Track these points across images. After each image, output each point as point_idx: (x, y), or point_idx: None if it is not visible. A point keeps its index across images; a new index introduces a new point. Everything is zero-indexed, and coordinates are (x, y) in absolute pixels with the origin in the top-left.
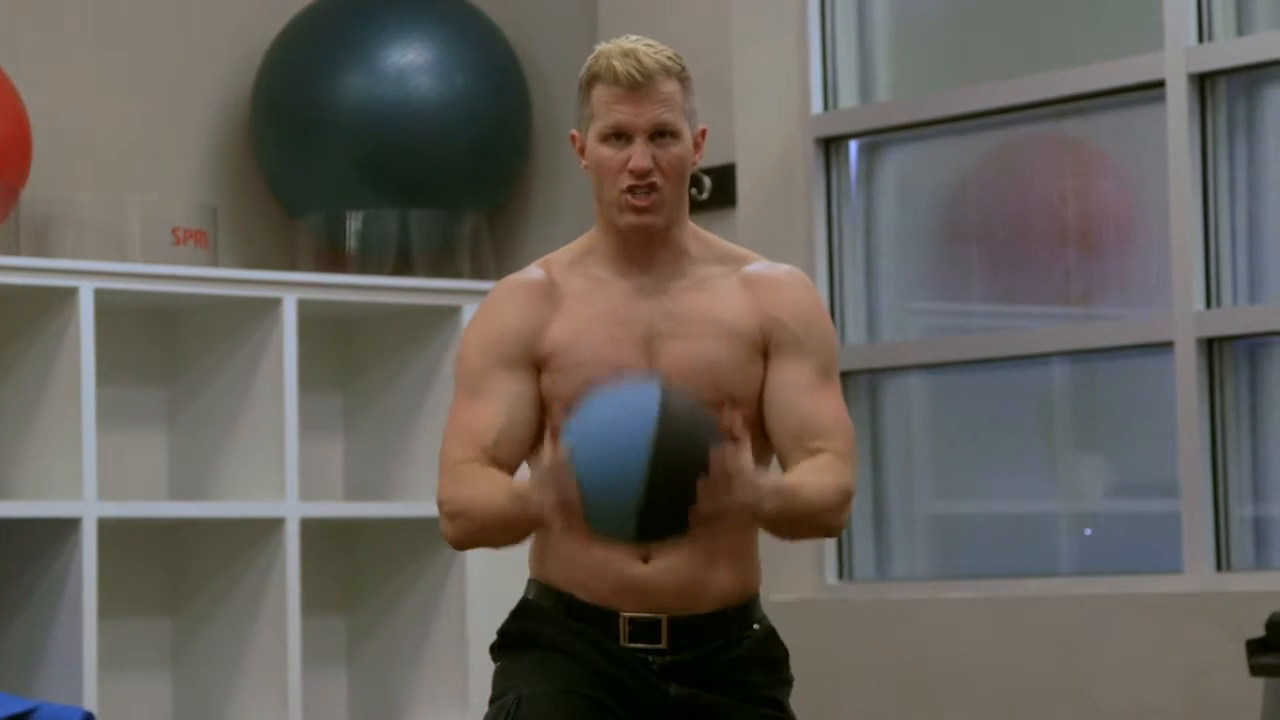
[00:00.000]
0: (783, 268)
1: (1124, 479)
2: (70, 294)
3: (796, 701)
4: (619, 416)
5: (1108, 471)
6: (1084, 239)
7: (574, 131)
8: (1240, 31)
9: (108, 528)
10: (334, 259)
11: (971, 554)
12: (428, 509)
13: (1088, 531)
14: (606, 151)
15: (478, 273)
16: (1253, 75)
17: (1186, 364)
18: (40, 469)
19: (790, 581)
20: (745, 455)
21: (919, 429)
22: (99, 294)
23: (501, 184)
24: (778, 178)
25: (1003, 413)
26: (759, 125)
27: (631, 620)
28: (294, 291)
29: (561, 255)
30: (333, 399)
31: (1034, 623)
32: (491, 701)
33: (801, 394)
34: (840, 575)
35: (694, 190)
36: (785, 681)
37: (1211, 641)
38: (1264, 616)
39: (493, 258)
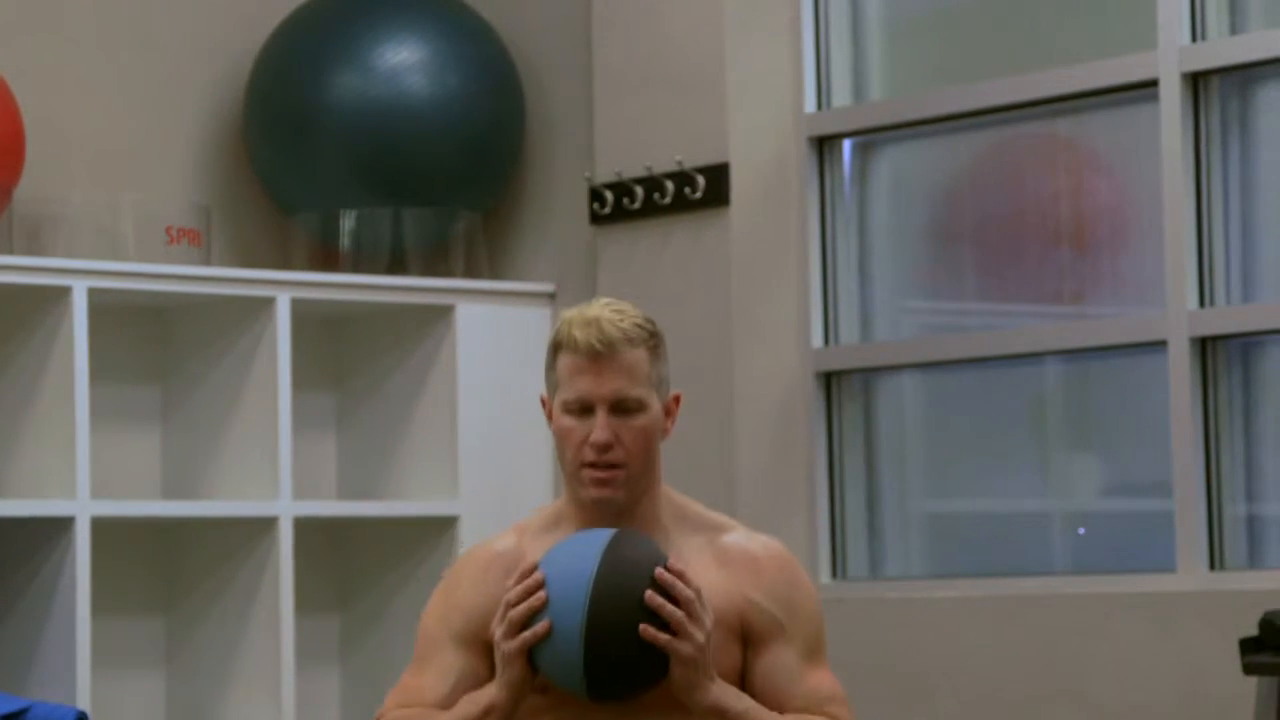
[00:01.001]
0: (760, 540)
1: (1117, 478)
2: (64, 293)
3: None
4: (566, 557)
5: (1101, 470)
6: (1077, 238)
7: (543, 395)
8: (1234, 30)
9: (101, 526)
10: (328, 258)
11: (965, 553)
12: (421, 508)
13: (1081, 530)
14: (568, 422)
15: (472, 272)
16: (1246, 74)
17: (1180, 363)
18: (33, 468)
19: None
20: (708, 610)
21: (912, 428)
22: (92, 293)
23: (495, 183)
24: (771, 177)
25: (996, 412)
26: (752, 124)
27: None
28: (288, 290)
29: (534, 521)
30: (326, 398)
31: (1027, 622)
32: None
33: (794, 679)
34: (834, 574)
35: (687, 189)
36: None
37: (1205, 640)
38: (1257, 615)
39: (486, 256)
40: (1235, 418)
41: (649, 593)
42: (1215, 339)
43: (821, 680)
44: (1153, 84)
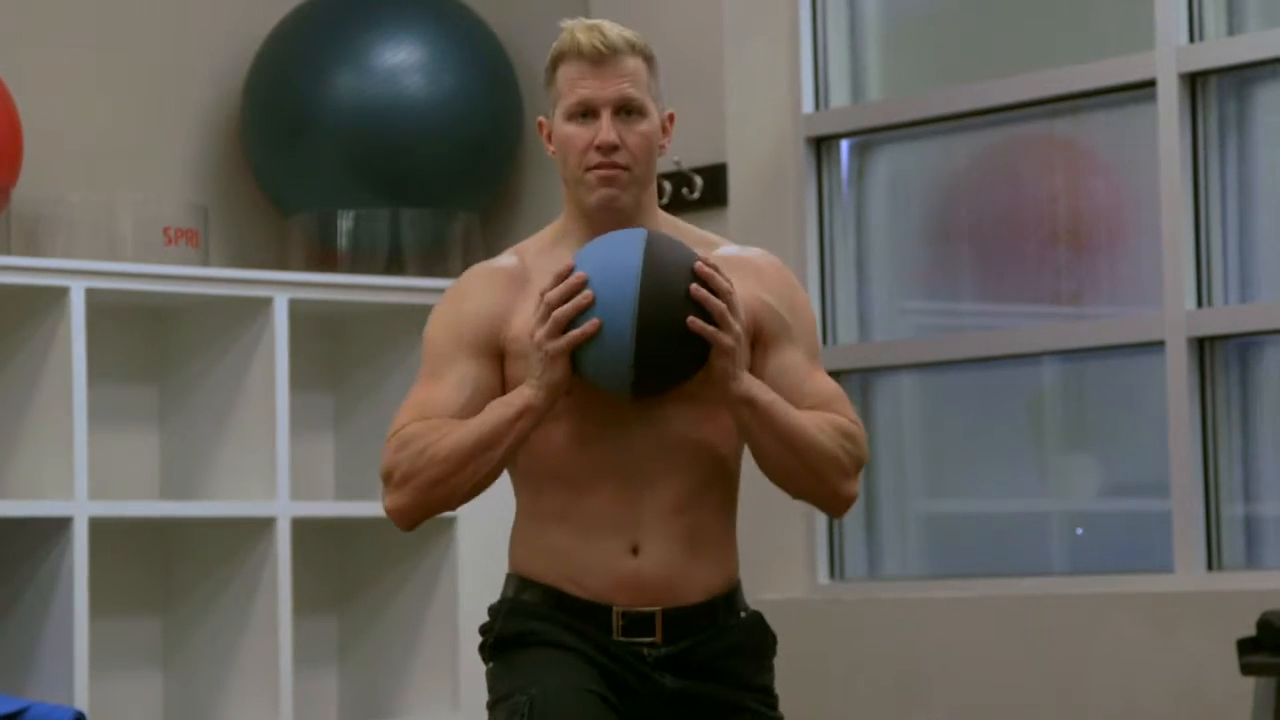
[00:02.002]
0: (755, 251)
1: (1115, 478)
2: (61, 293)
3: (789, 701)
4: (606, 256)
5: (1099, 471)
6: (1075, 238)
7: (540, 119)
8: (1231, 31)
9: (99, 527)
10: (325, 258)
11: (963, 553)
12: None
13: (1079, 531)
14: (572, 129)
15: None
16: (1243, 75)
17: (1177, 363)
18: (31, 468)
19: (782, 581)
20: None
21: (910, 428)
22: (90, 293)
23: (493, 183)
24: (769, 177)
25: (994, 412)
26: (750, 125)
27: (625, 614)
28: (285, 291)
29: (533, 242)
30: (324, 398)
31: (1025, 622)
32: (496, 702)
33: (802, 380)
34: (832, 575)
35: (685, 189)
36: (772, 668)
37: (1202, 641)
38: (1255, 616)
39: (484, 257)
40: (1233, 418)
41: (694, 285)
42: (1213, 339)
43: (825, 380)
44: (1150, 84)
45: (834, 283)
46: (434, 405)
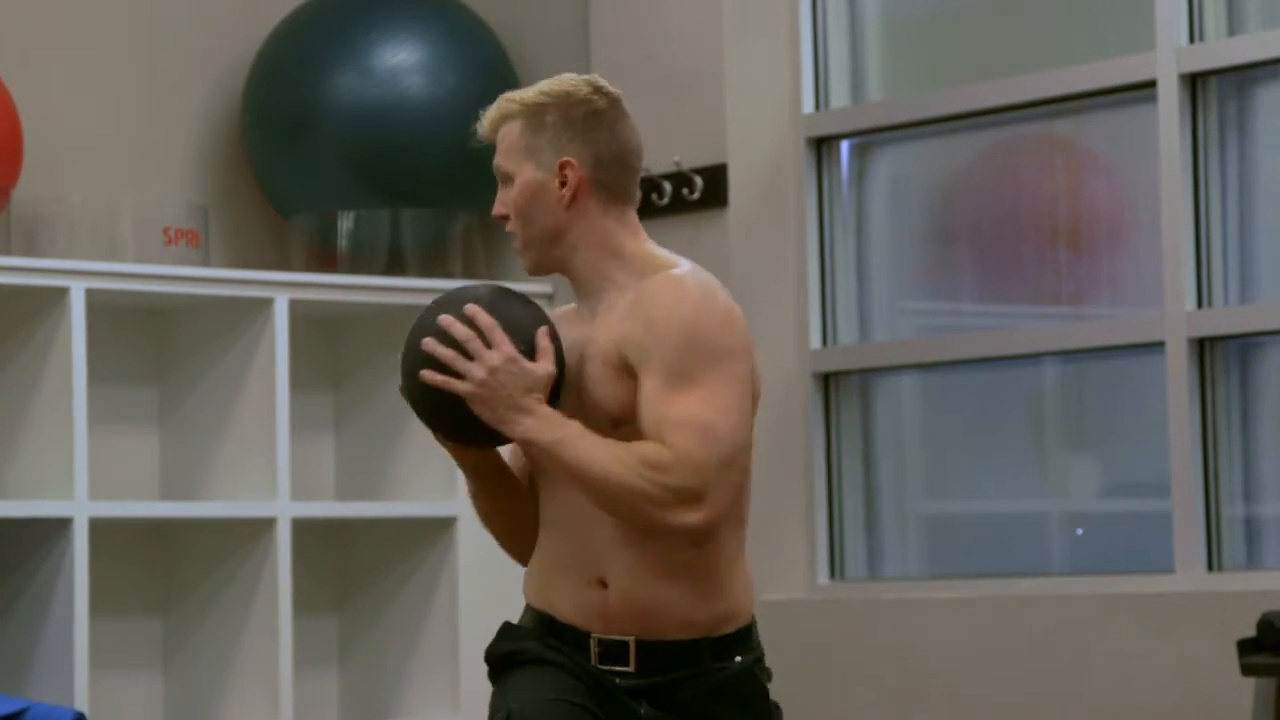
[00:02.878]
0: (665, 274)
1: (1115, 479)
2: (61, 294)
3: (789, 702)
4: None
5: (1099, 471)
6: (1075, 239)
7: None
8: (1231, 31)
9: (99, 527)
10: (325, 259)
11: (963, 554)
12: (420, 509)
13: (1079, 531)
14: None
15: (470, 272)
16: (1244, 75)
17: (1178, 364)
18: (31, 469)
19: (782, 581)
20: (504, 339)
21: (910, 429)
22: (90, 294)
23: (493, 184)
24: (769, 177)
25: (994, 413)
26: (751, 125)
27: (601, 641)
28: (285, 291)
29: None
30: (324, 399)
31: (1025, 623)
32: None
33: (650, 406)
34: (832, 575)
35: (685, 190)
36: (761, 716)
37: (1202, 641)
38: (1255, 616)
39: (484, 257)
40: (1233, 418)
41: (426, 339)
42: (1213, 340)
43: (677, 405)
44: (1151, 85)
45: (834, 283)
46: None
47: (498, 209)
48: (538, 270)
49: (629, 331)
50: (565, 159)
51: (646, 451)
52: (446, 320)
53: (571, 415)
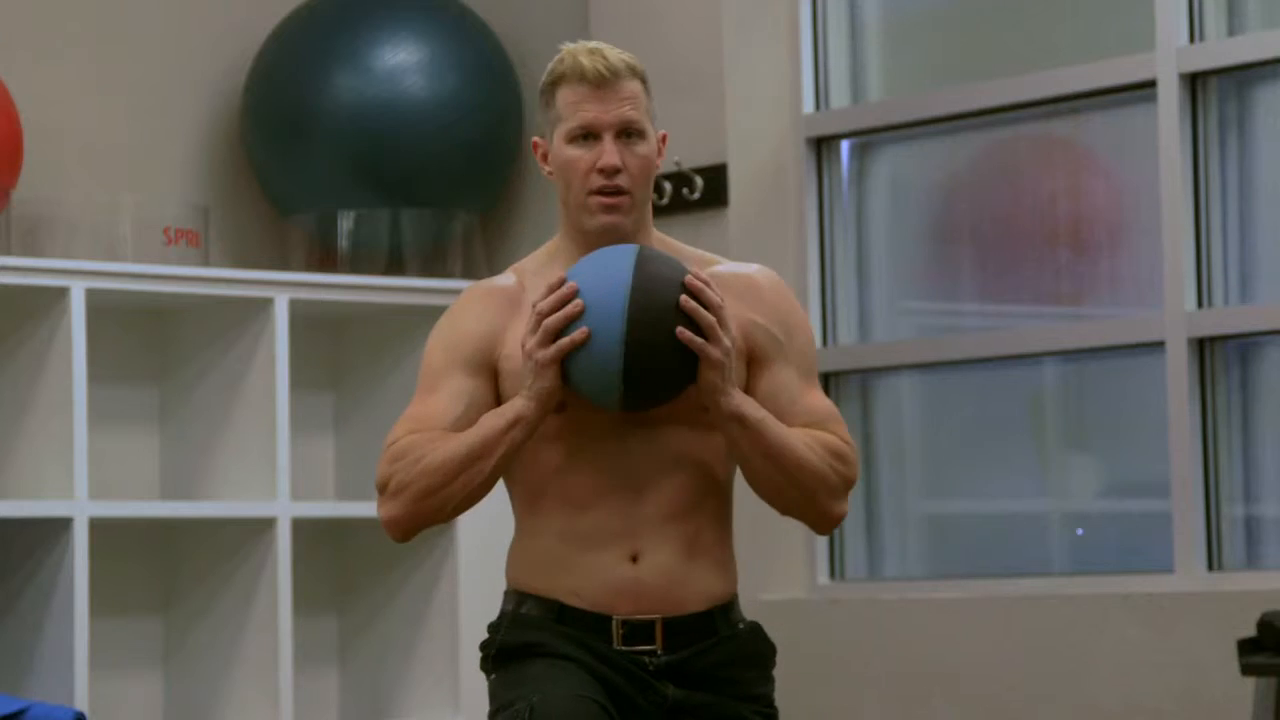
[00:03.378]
0: (753, 267)
1: (1115, 479)
2: (62, 294)
3: (789, 702)
4: (598, 269)
5: (1099, 471)
6: (1075, 239)
7: (535, 139)
8: (1231, 31)
9: (99, 527)
10: (325, 259)
11: (963, 554)
12: None
13: (1079, 531)
14: (575, 152)
15: (469, 273)
16: (1244, 75)
17: (1178, 364)
18: (32, 469)
19: (782, 581)
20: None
21: (910, 429)
22: (90, 294)
23: (493, 184)
24: (769, 178)
25: (994, 412)
26: (751, 125)
27: (625, 623)
28: (285, 291)
29: (530, 261)
30: (324, 399)
31: (1026, 623)
32: (498, 711)
33: (794, 400)
34: (832, 575)
35: (685, 190)
36: (772, 678)
37: (1203, 641)
38: (1255, 616)
39: (484, 257)
40: (1233, 418)
41: (684, 297)
42: (1213, 340)
43: (819, 399)
44: (1151, 85)
45: (834, 283)
46: (429, 418)
47: (616, 160)
48: (625, 234)
49: (750, 318)
50: (664, 132)
51: (829, 441)
52: (696, 287)
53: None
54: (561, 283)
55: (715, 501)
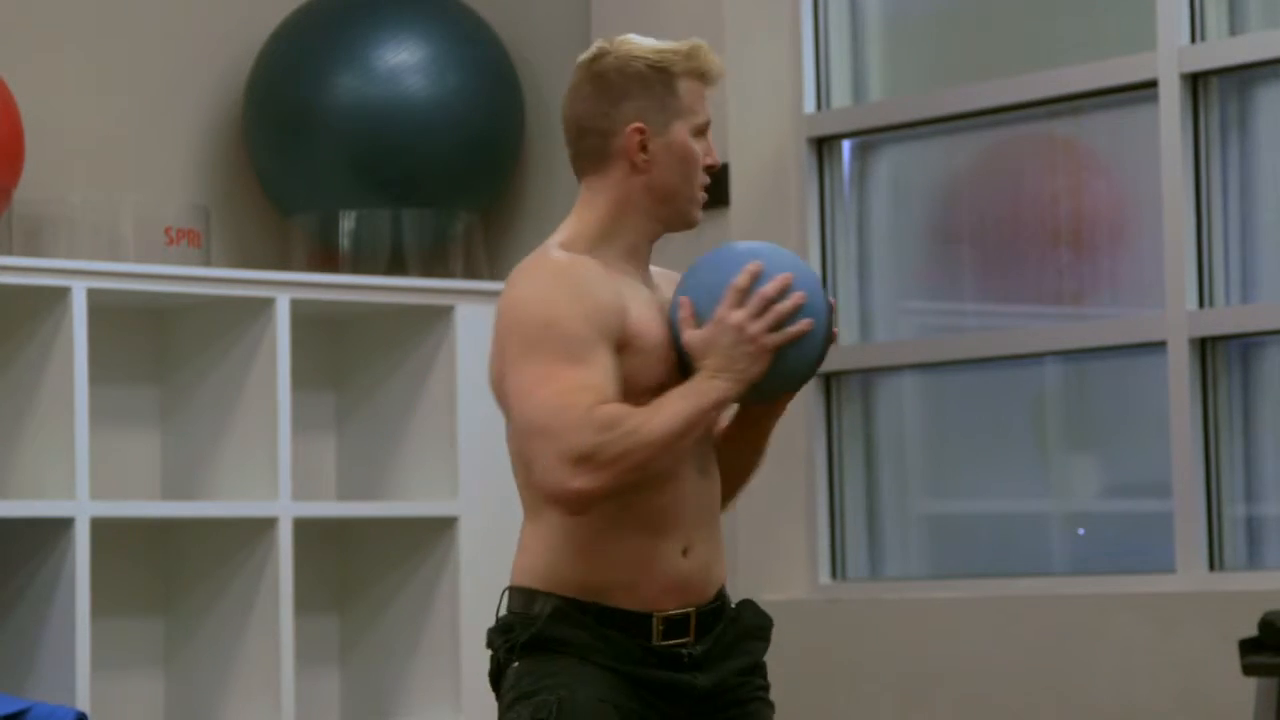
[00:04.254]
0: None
1: (1117, 479)
2: (63, 293)
3: (789, 701)
4: (790, 263)
5: (1100, 471)
6: (1076, 239)
7: (640, 124)
8: (1232, 31)
9: (100, 527)
10: (327, 258)
11: (964, 554)
12: (421, 508)
13: (1080, 531)
14: (699, 146)
15: (471, 272)
16: (1245, 75)
17: (1179, 364)
18: (33, 469)
19: (783, 581)
20: None
21: (912, 429)
22: (92, 294)
23: (494, 183)
24: (771, 177)
25: (996, 413)
26: (752, 125)
27: (665, 619)
28: (287, 291)
29: (576, 241)
30: (325, 398)
31: (1027, 622)
32: (520, 698)
33: None
34: (833, 575)
35: None
36: (767, 643)
37: (1204, 641)
38: (1256, 616)
39: (485, 257)
40: (1234, 418)
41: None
42: (1214, 339)
43: None
44: (1152, 85)
45: (836, 283)
46: (601, 390)
47: (719, 159)
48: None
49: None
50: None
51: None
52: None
53: (683, 376)
54: (760, 270)
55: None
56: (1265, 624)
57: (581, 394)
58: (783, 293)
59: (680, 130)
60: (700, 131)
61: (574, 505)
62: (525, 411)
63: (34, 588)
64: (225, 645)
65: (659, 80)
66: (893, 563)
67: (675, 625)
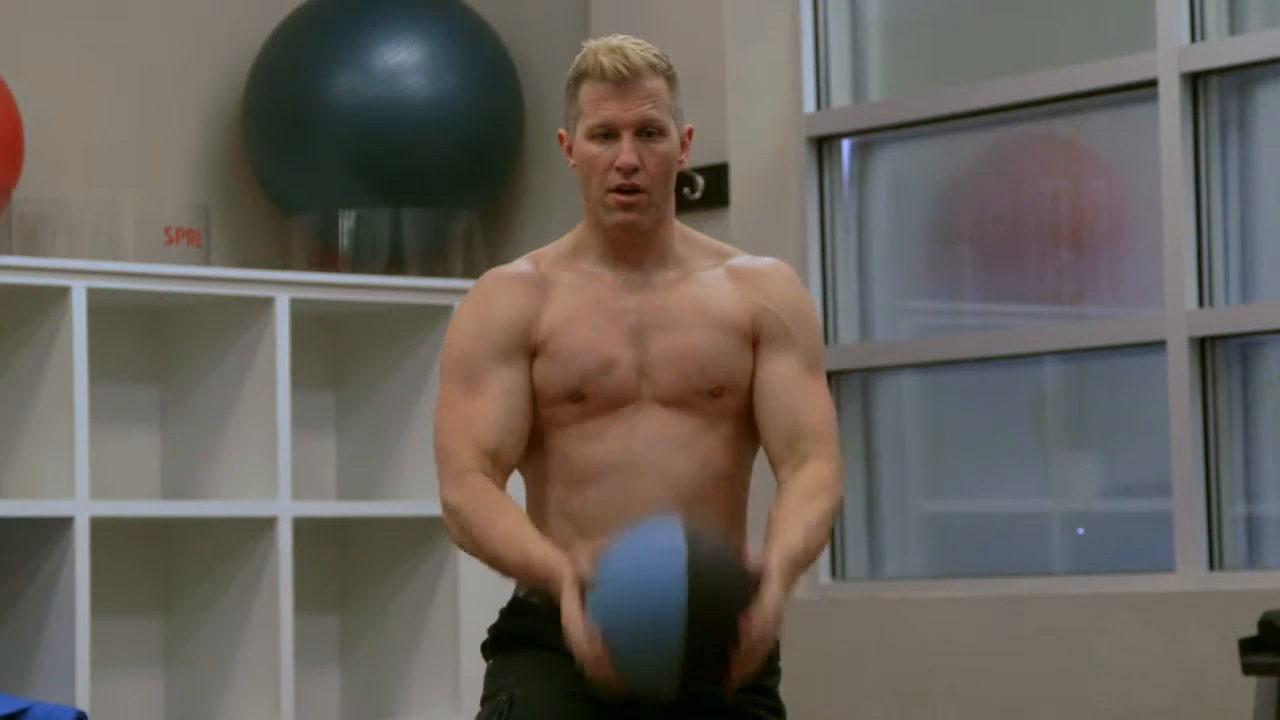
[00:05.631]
0: (768, 260)
1: (1117, 478)
2: (63, 293)
3: (790, 701)
4: (646, 582)
5: (1100, 471)
6: (1076, 238)
7: (561, 131)
8: (1232, 31)
9: (100, 527)
10: (326, 258)
11: (964, 553)
12: (420, 508)
13: (1080, 531)
14: (594, 149)
15: (470, 272)
16: (1245, 75)
17: (1179, 363)
18: (33, 468)
19: None
20: (771, 594)
21: (911, 428)
22: (91, 293)
23: (494, 183)
24: (770, 177)
25: (995, 412)
26: (752, 124)
27: None
28: (286, 290)
29: (548, 252)
30: (325, 398)
31: (1027, 622)
32: (483, 701)
33: (793, 391)
34: (833, 575)
35: (687, 189)
36: (775, 671)
37: (1204, 641)
38: (1256, 615)
39: (485, 257)
40: (1234, 418)
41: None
42: (1214, 339)
43: (819, 399)
44: (1152, 84)
45: (835, 282)
46: (481, 430)
47: (634, 159)
48: (644, 230)
49: (761, 304)
50: (690, 126)
51: (817, 483)
52: (750, 655)
53: (672, 379)
54: (597, 578)
55: (726, 493)
56: (1265, 624)
57: (464, 441)
58: (597, 668)
59: (580, 134)
60: (598, 134)
61: (452, 540)
62: (435, 425)
63: (33, 587)
64: (225, 645)
65: (569, 86)
66: (892, 562)
67: None
